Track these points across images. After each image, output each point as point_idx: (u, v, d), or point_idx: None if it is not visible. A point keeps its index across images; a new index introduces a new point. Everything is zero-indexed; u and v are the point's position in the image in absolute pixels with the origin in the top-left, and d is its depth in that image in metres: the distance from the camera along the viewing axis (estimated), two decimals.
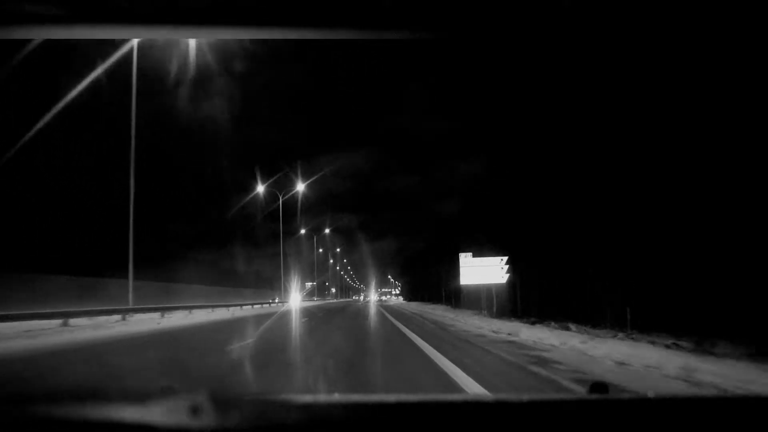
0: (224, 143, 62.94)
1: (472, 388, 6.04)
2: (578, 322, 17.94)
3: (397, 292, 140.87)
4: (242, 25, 1.79)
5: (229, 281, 48.82)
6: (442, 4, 1.79)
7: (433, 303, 52.72)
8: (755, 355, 8.79)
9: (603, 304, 19.14)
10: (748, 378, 6.01)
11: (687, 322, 12.79)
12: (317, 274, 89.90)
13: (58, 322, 16.00)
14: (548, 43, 12.55)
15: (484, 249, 28.26)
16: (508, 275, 27.66)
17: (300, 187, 50.40)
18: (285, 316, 26.27)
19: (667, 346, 10.43)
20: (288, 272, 55.58)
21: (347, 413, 1.24)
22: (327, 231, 78.43)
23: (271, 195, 49.28)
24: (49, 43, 18.77)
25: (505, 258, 27.99)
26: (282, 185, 50.15)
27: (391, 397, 1.31)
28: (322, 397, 1.67)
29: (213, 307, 29.41)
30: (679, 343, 11.02)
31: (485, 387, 6.06)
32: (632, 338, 12.83)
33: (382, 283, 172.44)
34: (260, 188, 47.32)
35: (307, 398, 1.45)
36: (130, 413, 1.16)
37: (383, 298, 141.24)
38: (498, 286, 27.61)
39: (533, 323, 18.31)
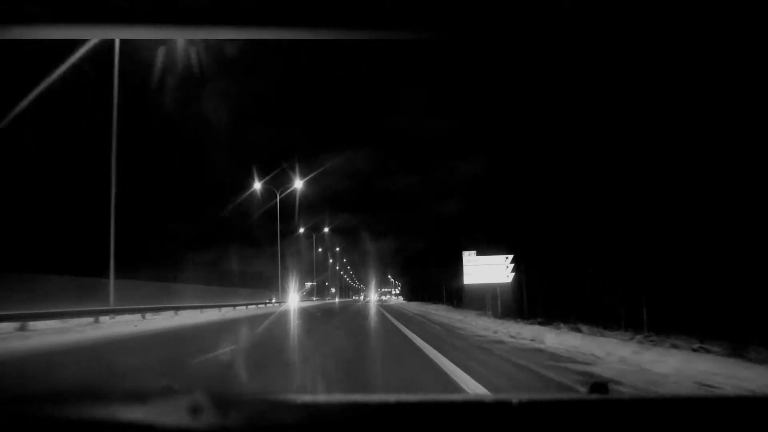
0: (223, 143, 61.40)
1: None
2: (588, 322, 16.93)
3: (397, 292, 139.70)
4: (242, 25, 1.76)
5: (226, 281, 47.18)
6: (442, 4, 1.75)
7: (434, 303, 51.51)
8: None
9: (615, 304, 18.09)
10: None
11: (708, 323, 11.96)
12: (316, 274, 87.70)
13: (14, 326, 13.79)
14: (548, 43, 12.17)
15: (486, 248, 26.83)
16: (513, 274, 26.20)
17: (298, 184, 48.08)
18: (278, 317, 24.04)
19: (694, 350, 9.39)
20: (286, 272, 53.37)
21: (347, 413, 1.21)
22: (326, 230, 76.07)
23: (269, 194, 47.19)
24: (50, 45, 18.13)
25: (510, 256, 26.50)
26: (280, 183, 48.04)
27: (391, 397, 1.27)
28: (322, 397, 1.54)
29: (203, 307, 27.06)
30: (707, 347, 9.87)
31: None
32: (651, 341, 11.52)
33: (382, 282, 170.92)
34: (257, 185, 45.15)
35: (307, 398, 1.39)
36: (129, 413, 1.15)
37: (383, 298, 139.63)
38: (502, 285, 26.15)
39: (541, 324, 17.15)
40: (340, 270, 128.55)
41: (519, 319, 21.67)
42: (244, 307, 35.36)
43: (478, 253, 26.71)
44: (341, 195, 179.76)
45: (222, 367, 7.94)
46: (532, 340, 11.53)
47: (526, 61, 22.86)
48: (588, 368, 7.55)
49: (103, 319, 19.17)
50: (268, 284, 55.94)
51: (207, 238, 45.26)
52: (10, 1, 1.62)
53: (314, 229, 73.14)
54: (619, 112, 17.04)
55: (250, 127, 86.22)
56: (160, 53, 24.14)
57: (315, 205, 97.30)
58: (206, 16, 1.72)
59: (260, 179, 45.33)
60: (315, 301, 74.49)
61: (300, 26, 1.76)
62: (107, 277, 24.36)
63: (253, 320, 21.97)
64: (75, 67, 19.12)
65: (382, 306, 56.04)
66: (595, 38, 1.99)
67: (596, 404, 1.37)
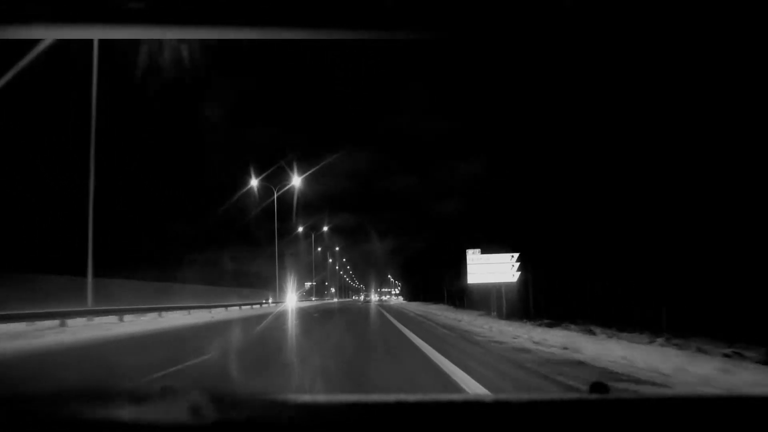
0: (222, 143, 59.89)
1: None
2: (600, 323, 15.96)
3: (397, 292, 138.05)
4: (242, 25, 1.71)
5: (221, 281, 45.09)
6: (442, 4, 1.72)
7: (434, 303, 50.30)
8: None
9: (629, 303, 17.21)
10: None
11: (731, 323, 11.02)
12: (316, 273, 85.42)
13: None
14: (548, 43, 12.06)
15: (489, 246, 25.57)
16: (518, 273, 24.91)
17: (296, 181, 45.86)
18: (271, 319, 21.86)
19: (727, 356, 8.31)
20: (284, 271, 51.18)
21: (347, 413, 1.19)
22: (325, 228, 73.64)
23: (267, 193, 45.06)
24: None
25: (516, 255, 25.16)
26: (279, 182, 45.80)
27: (391, 397, 1.24)
28: (322, 397, 1.38)
29: (191, 308, 24.79)
30: (740, 351, 8.77)
31: None
32: (675, 344, 10.36)
33: (382, 282, 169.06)
34: (254, 182, 43.03)
35: (307, 398, 1.33)
36: (129, 412, 1.13)
37: (383, 298, 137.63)
38: (507, 285, 24.84)
39: (549, 325, 16.35)
40: (339, 270, 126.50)
41: (525, 320, 20.67)
42: (237, 308, 33.05)
43: (482, 252, 25.43)
44: (341, 195, 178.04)
45: (185, 382, 5.88)
46: (564, 348, 9.42)
47: (526, 61, 22.44)
48: None
49: (76, 321, 17.10)
50: (267, 284, 53.79)
51: (205, 237, 43.52)
52: (9, 1, 1.57)
53: (313, 229, 70.94)
54: (624, 105, 16.47)
55: (250, 127, 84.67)
56: (160, 53, 24.01)
57: (314, 204, 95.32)
58: (206, 16, 1.67)
59: (258, 179, 43.27)
60: (314, 301, 72.24)
61: (300, 26, 1.72)
62: (109, 276, 24.35)
63: (241, 322, 20.08)
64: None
65: (382, 306, 53.82)
66: (595, 38, 1.91)
67: (596, 404, 1.32)
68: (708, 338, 10.78)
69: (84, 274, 24.41)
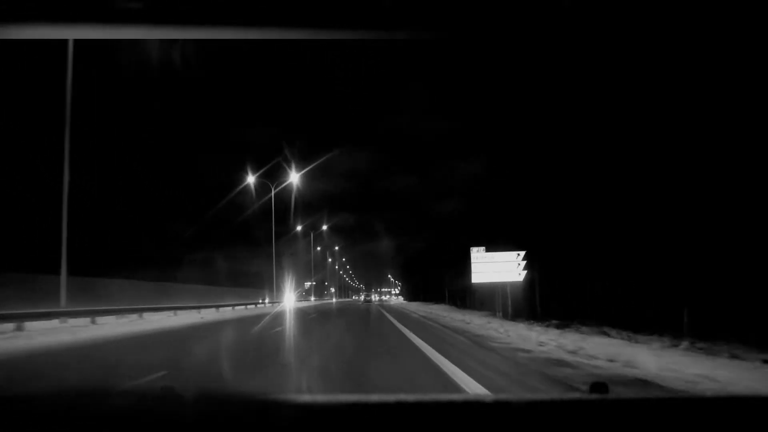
0: (221, 143, 58.64)
1: None
2: (612, 324, 14.85)
3: (397, 291, 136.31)
4: (242, 25, 1.67)
5: (221, 281, 43.33)
6: (442, 4, 1.68)
7: (435, 303, 49.22)
8: None
9: (644, 303, 16.17)
10: None
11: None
12: (315, 273, 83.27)
13: None
14: (548, 43, 11.51)
15: (491, 245, 24.52)
16: (525, 272, 23.76)
17: (294, 177, 43.75)
18: (264, 321, 19.72)
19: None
20: (282, 271, 49.13)
21: (347, 413, 1.17)
22: (324, 227, 71.38)
23: (266, 192, 43.06)
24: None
25: (522, 253, 23.97)
26: (278, 180, 43.77)
27: (390, 397, 1.22)
28: (321, 397, 1.31)
29: (177, 309, 22.58)
30: None
31: None
32: (700, 348, 9.41)
33: (382, 282, 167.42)
34: (252, 179, 40.98)
35: (306, 398, 1.32)
36: (128, 411, 1.13)
37: (383, 298, 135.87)
38: (512, 284, 23.81)
39: (558, 327, 15.48)
40: (339, 270, 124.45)
41: (532, 321, 19.84)
42: (230, 309, 30.92)
43: (487, 250, 24.29)
44: (341, 195, 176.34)
45: None
46: (610, 360, 7.36)
47: (526, 61, 22.23)
48: None
49: (43, 324, 15.08)
50: (266, 284, 51.89)
51: (203, 237, 42.01)
52: (9, 1, 1.53)
53: (313, 228, 68.83)
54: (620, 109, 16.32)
55: (250, 127, 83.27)
56: (157, 53, 23.91)
57: (314, 204, 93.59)
58: (206, 16, 1.63)
59: (256, 179, 41.50)
60: (313, 301, 70.17)
61: (300, 26, 1.67)
62: (110, 276, 24.32)
63: (230, 325, 18.14)
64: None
65: (383, 306, 51.79)
66: (595, 38, 1.84)
67: (596, 404, 1.30)
68: (731, 342, 9.80)
69: (84, 274, 23.37)
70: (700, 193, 13.44)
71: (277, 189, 43.16)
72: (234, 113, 78.26)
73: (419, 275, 70.88)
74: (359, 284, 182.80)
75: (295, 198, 47.46)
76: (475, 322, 17.39)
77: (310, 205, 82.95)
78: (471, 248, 24.49)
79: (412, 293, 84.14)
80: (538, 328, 14.12)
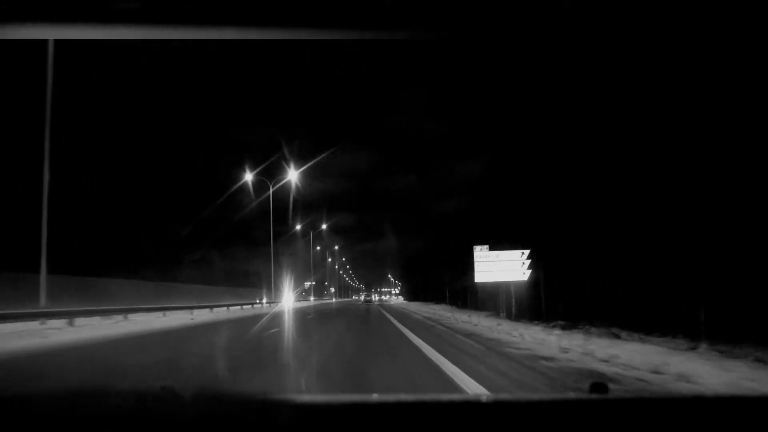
0: (220, 143, 58.04)
1: None
2: (621, 325, 14.38)
3: (397, 291, 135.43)
4: (241, 25, 1.66)
5: (220, 281, 42.58)
6: (442, 4, 1.68)
7: (436, 303, 48.29)
8: None
9: (655, 303, 15.17)
10: None
11: None
12: (314, 273, 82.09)
13: None
14: (548, 43, 11.59)
15: (494, 244, 23.80)
16: (529, 271, 23.03)
17: (293, 175, 42.55)
18: (260, 323, 18.44)
19: None
20: (281, 270, 47.94)
21: (346, 413, 1.14)
22: (324, 226, 70.14)
23: (265, 191, 41.95)
24: None
25: (527, 252, 23.28)
26: (276, 179, 42.66)
27: (390, 397, 1.21)
28: (321, 397, 1.39)
29: (166, 309, 21.25)
30: None
31: None
32: (719, 351, 8.69)
33: (382, 282, 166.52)
34: (249, 176, 39.81)
35: (306, 398, 1.32)
36: (128, 411, 1.11)
37: (383, 297, 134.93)
38: (517, 284, 23.06)
39: (564, 327, 15.06)
40: (339, 269, 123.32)
41: (537, 321, 19.43)
42: (224, 309, 29.64)
43: (491, 248, 23.52)
44: (341, 194, 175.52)
45: None
46: (655, 372, 6.09)
47: (526, 61, 21.97)
48: None
49: (15, 326, 13.84)
50: (264, 284, 50.82)
51: (202, 237, 41.23)
52: (8, 1, 1.51)
53: (312, 228, 67.64)
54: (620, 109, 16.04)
55: (249, 127, 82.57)
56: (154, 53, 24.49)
57: (314, 204, 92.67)
58: (206, 16, 1.62)
59: (255, 176, 40.55)
60: (312, 301, 68.93)
61: (300, 26, 1.66)
62: (112, 276, 24.06)
63: (223, 327, 16.98)
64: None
65: (383, 307, 50.57)
66: (595, 38, 1.82)
67: (596, 404, 1.28)
68: (752, 344, 9.08)
69: (84, 274, 22.52)
70: (709, 192, 12.73)
71: (276, 187, 42.05)
72: (234, 113, 77.38)
73: (419, 275, 70.04)
74: (359, 284, 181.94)
75: (295, 197, 46.58)
76: (482, 323, 16.15)
77: (310, 204, 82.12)
78: (474, 247, 23.72)
79: (412, 293, 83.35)
80: (558, 332, 13.17)
